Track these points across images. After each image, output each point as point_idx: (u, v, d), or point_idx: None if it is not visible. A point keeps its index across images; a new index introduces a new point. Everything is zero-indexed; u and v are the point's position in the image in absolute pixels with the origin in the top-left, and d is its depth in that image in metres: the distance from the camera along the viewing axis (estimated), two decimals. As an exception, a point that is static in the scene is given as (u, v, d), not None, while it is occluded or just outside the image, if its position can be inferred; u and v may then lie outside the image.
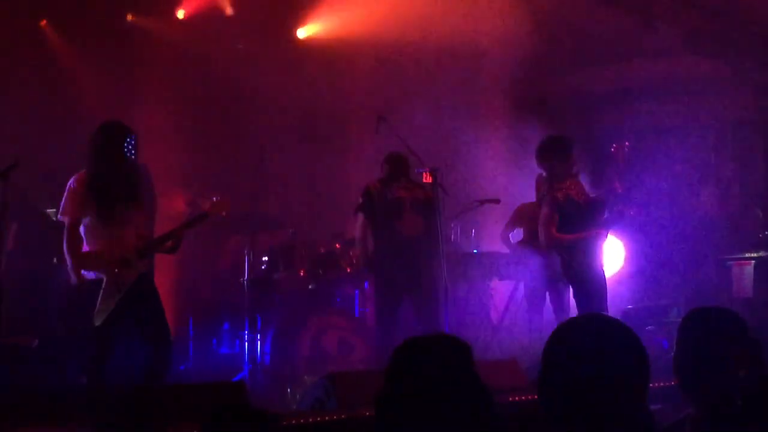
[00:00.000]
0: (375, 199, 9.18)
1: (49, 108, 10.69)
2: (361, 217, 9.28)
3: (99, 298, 7.01)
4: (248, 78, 11.73)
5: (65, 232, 7.11)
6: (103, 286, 7.03)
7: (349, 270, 9.97)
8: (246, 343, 9.43)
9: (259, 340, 9.53)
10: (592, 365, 2.63)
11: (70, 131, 10.46)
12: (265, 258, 10.14)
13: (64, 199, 7.13)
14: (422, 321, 9.09)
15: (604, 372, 2.63)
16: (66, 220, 7.11)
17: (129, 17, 11.50)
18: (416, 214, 9.11)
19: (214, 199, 7.69)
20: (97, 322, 7.01)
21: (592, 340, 2.69)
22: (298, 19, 12.23)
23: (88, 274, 7.12)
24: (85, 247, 7.14)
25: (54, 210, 9.67)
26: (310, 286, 9.95)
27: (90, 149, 7.16)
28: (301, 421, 6.49)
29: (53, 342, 8.83)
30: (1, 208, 6.81)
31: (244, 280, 9.59)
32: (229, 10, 11.85)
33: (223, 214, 7.67)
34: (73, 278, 7.06)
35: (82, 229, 7.12)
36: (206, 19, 11.73)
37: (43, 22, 11.12)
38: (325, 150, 12.10)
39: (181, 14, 11.75)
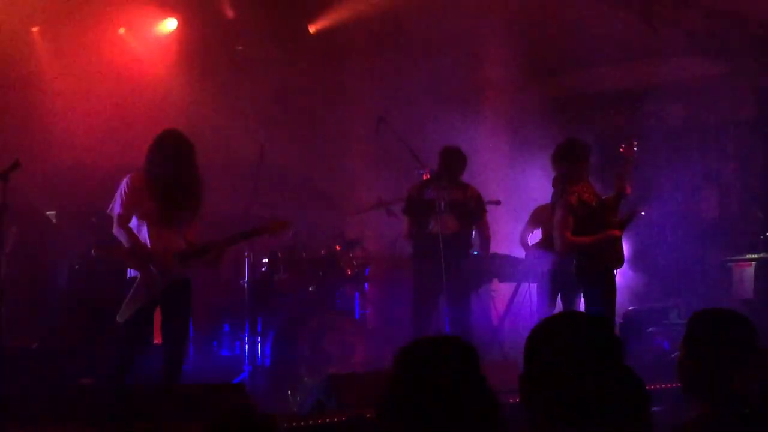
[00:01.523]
0: (414, 200, 9.42)
1: (49, 110, 10.68)
2: (406, 219, 9.63)
3: (128, 296, 7.07)
4: (246, 77, 11.73)
5: (117, 224, 7.19)
6: (135, 284, 7.08)
7: (349, 272, 9.97)
8: (246, 345, 9.42)
9: (260, 341, 9.52)
10: (571, 360, 2.64)
11: (70, 134, 10.48)
12: (266, 260, 10.13)
13: (120, 194, 7.21)
14: (452, 320, 9.21)
15: (579, 365, 2.64)
16: (119, 213, 7.19)
17: (121, 30, 11.50)
18: (449, 214, 9.25)
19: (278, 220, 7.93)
20: (121, 319, 7.06)
21: (569, 336, 2.70)
22: (305, 18, 12.22)
23: (129, 272, 7.23)
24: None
25: (53, 212, 9.69)
26: (310, 288, 9.94)
27: (156, 151, 7.29)
28: (302, 423, 6.49)
29: (53, 343, 8.82)
30: (0, 210, 6.79)
31: (244, 282, 9.58)
32: (230, 13, 11.85)
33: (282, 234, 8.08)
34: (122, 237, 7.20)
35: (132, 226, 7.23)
36: (205, 23, 11.74)
37: (35, 29, 11.10)
38: (325, 151, 12.09)
39: (172, 25, 11.78)
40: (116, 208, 7.22)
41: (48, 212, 9.86)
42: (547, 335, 2.73)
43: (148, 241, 7.17)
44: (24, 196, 9.39)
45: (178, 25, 11.71)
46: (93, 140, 10.46)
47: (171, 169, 7.24)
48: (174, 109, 11.07)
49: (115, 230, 7.22)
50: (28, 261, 9.07)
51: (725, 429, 3.24)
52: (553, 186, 9.77)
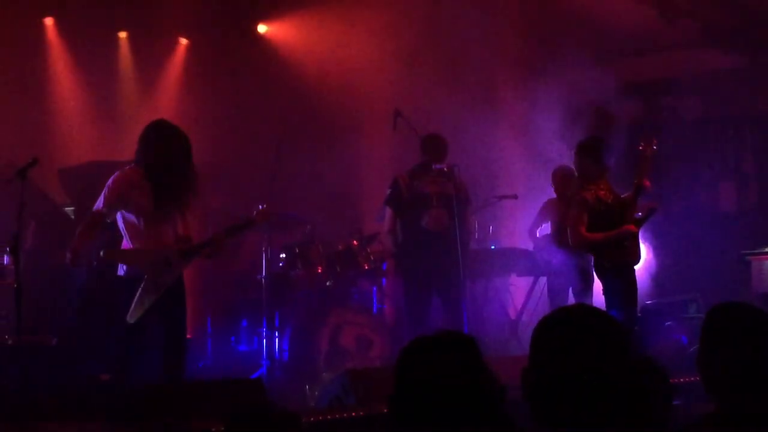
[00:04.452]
0: (403, 192, 9.11)
1: (65, 106, 10.72)
2: (389, 210, 9.25)
3: (136, 297, 6.98)
4: (264, 73, 11.75)
5: (90, 218, 7.07)
6: (142, 285, 7.00)
7: (366, 266, 9.96)
8: (264, 340, 9.44)
9: (277, 337, 9.54)
10: (578, 355, 2.62)
11: (88, 129, 10.52)
12: (283, 255, 10.14)
13: (105, 190, 7.05)
14: (447, 317, 9.07)
15: (589, 361, 2.61)
16: (98, 210, 7.05)
17: (122, 35, 11.52)
18: (442, 208, 9.01)
19: (260, 207, 7.71)
20: (131, 320, 7.00)
21: (576, 330, 2.67)
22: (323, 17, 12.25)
23: (121, 270, 7.15)
24: (126, 244, 7.14)
25: (72, 208, 9.71)
26: (327, 283, 9.94)
27: (149, 144, 7.10)
28: (320, 418, 6.49)
29: (72, 340, 8.85)
30: (19, 207, 6.81)
31: (261, 278, 9.59)
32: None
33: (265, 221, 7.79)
34: (67, 257, 7.00)
35: (121, 224, 7.11)
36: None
37: (48, 20, 11.12)
38: (342, 146, 12.10)
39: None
40: (97, 203, 7.07)
41: (66, 209, 9.88)
42: (552, 327, 2.72)
43: (141, 240, 7.06)
44: (42, 193, 9.42)
45: (192, 29, 11.76)
46: (111, 135, 10.50)
47: (168, 161, 7.07)
48: (188, 107, 11.12)
49: (83, 226, 7.08)
50: (46, 257, 9.10)
51: (746, 426, 3.22)
52: (552, 180, 9.77)
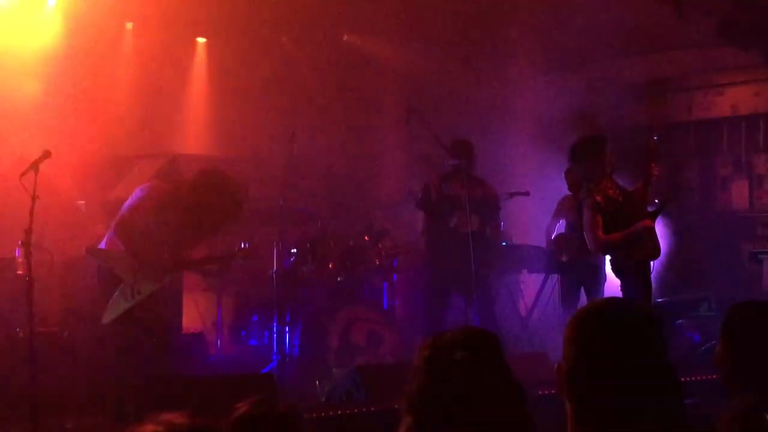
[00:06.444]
0: (432, 195, 9.32)
1: (80, 100, 10.72)
2: (422, 214, 9.64)
3: (112, 298, 7.06)
4: (279, 68, 11.75)
5: (123, 227, 7.18)
6: (120, 287, 7.09)
7: (378, 262, 9.96)
8: (275, 335, 9.42)
9: (288, 332, 9.53)
10: (621, 352, 2.57)
11: (100, 124, 10.52)
12: (294, 250, 10.13)
13: (141, 201, 7.21)
14: (478, 317, 9.15)
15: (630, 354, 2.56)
16: (128, 219, 7.18)
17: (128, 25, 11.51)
18: (471, 211, 9.13)
19: (243, 245, 8.01)
20: (105, 320, 7.09)
21: (618, 325, 2.60)
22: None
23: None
24: (116, 244, 7.20)
25: (83, 202, 9.73)
26: (338, 279, 9.93)
27: (206, 184, 7.35)
28: (331, 413, 6.49)
29: (83, 333, 8.85)
30: (31, 200, 6.82)
31: (272, 273, 9.58)
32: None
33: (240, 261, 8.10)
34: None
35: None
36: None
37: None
38: (355, 142, 12.10)
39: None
40: (130, 212, 7.20)
41: (78, 202, 9.90)
42: (596, 321, 2.64)
43: (135, 248, 7.19)
44: (54, 186, 9.42)
45: (211, 29, 11.73)
46: (124, 130, 10.52)
47: (213, 204, 7.30)
48: (203, 100, 11.11)
49: (119, 233, 7.20)
50: (57, 250, 9.11)
51: (765, 424, 3.20)
52: (566, 179, 9.76)
